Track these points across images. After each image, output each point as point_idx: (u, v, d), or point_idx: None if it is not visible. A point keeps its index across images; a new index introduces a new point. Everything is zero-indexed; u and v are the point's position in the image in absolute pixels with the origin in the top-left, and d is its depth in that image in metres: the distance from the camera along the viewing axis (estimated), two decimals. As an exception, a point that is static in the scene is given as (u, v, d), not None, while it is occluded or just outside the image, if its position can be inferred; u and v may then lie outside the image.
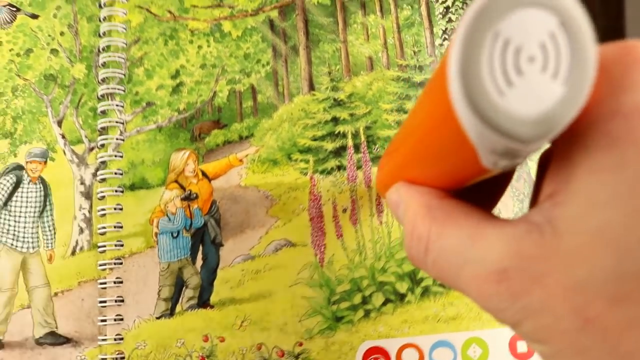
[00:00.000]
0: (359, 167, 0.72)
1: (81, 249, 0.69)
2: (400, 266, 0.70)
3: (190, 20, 0.75)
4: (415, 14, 0.78)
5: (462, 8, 0.78)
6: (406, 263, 0.70)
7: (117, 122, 0.71)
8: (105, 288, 0.67)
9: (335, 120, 0.73)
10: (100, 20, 0.74)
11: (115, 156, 0.70)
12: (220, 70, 0.74)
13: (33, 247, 0.69)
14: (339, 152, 0.72)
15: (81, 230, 0.70)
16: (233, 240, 0.69)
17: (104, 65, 0.73)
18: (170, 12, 0.75)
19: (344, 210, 0.71)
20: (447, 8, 0.78)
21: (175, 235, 0.68)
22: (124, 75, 0.72)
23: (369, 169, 0.72)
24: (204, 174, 0.70)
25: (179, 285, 0.68)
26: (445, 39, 0.78)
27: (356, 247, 0.70)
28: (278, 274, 0.68)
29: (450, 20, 0.78)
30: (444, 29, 0.78)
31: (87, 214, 0.70)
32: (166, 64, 0.73)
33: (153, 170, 0.70)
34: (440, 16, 0.78)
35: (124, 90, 0.72)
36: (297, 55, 0.75)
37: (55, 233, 0.70)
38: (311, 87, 0.74)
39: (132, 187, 0.69)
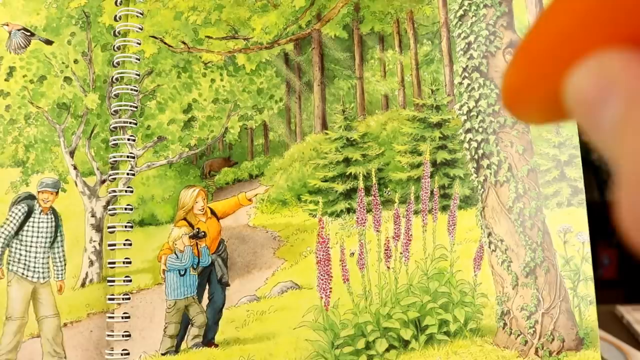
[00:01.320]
0: (369, 211, 0.71)
1: (91, 281, 0.71)
2: (406, 313, 0.70)
3: (204, 52, 0.74)
4: (436, 50, 0.76)
5: (485, 44, 0.76)
6: (412, 309, 0.70)
7: (128, 156, 0.71)
8: (113, 322, 0.68)
9: (347, 161, 0.73)
10: (114, 49, 0.74)
11: (126, 191, 0.71)
12: (232, 105, 0.73)
13: (44, 278, 0.71)
14: (349, 194, 0.72)
15: (91, 263, 0.71)
16: (239, 280, 0.69)
17: (117, 96, 0.73)
18: (184, 42, 0.74)
19: (352, 254, 0.71)
20: (469, 44, 0.76)
21: (182, 273, 0.69)
22: (136, 107, 0.72)
23: (379, 213, 0.72)
24: (212, 212, 0.71)
25: (185, 323, 0.69)
26: (465, 77, 0.76)
27: (362, 291, 0.70)
28: (283, 316, 0.69)
29: (471, 57, 0.76)
30: (464, 66, 0.76)
31: (98, 247, 0.71)
32: (178, 98, 0.73)
33: (162, 207, 0.71)
34: (462, 52, 0.76)
35: (135, 124, 0.72)
36: (311, 91, 0.74)
37: (65, 264, 0.71)
38: (324, 126, 0.73)
39: (142, 223, 0.70)
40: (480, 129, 0.74)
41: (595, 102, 0.16)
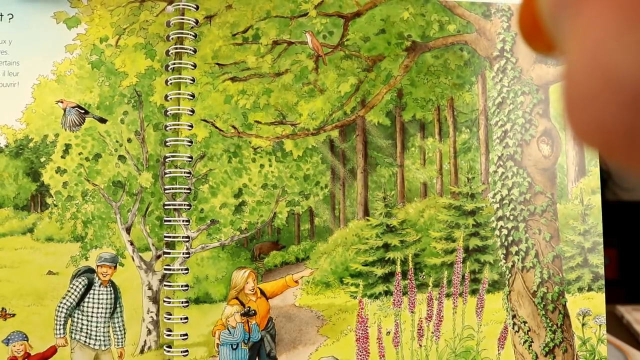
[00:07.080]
0: (404, 293, 0.80)
1: (149, 348, 0.80)
2: (434, 385, 0.80)
3: (253, 137, 0.80)
4: (473, 138, 0.82)
5: (521, 132, 0.82)
6: (440, 382, 0.80)
7: (183, 238, 0.78)
8: (170, 388, 0.78)
9: (386, 247, 0.80)
10: (165, 129, 0.79)
11: (182, 271, 0.78)
12: (280, 191, 0.80)
13: (105, 345, 0.80)
14: (387, 277, 0.80)
15: (149, 332, 0.80)
16: (286, 354, 0.79)
17: (170, 179, 0.79)
18: (234, 127, 0.80)
19: (388, 333, 0.80)
20: (506, 132, 0.82)
21: (234, 347, 0.78)
22: (190, 191, 0.79)
23: (414, 296, 0.80)
24: (262, 292, 0.79)
25: (236, 391, 0.79)
26: (499, 166, 0.82)
27: (396, 366, 0.80)
28: (324, 386, 0.79)
29: (507, 146, 0.82)
30: (499, 154, 0.82)
31: (155, 317, 0.80)
32: (230, 182, 0.79)
33: (216, 286, 0.79)
34: (498, 141, 0.82)
35: (189, 206, 0.78)
36: (354, 178, 0.81)
37: (125, 333, 0.80)
38: (366, 213, 0.80)
39: (197, 301, 0.78)
40: (512, 217, 0.81)
41: None
